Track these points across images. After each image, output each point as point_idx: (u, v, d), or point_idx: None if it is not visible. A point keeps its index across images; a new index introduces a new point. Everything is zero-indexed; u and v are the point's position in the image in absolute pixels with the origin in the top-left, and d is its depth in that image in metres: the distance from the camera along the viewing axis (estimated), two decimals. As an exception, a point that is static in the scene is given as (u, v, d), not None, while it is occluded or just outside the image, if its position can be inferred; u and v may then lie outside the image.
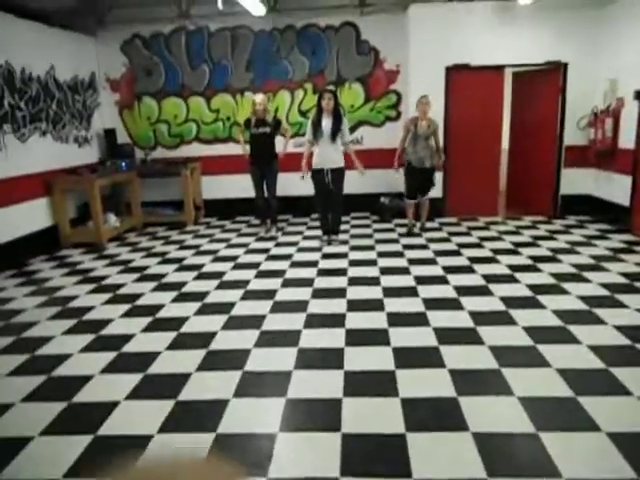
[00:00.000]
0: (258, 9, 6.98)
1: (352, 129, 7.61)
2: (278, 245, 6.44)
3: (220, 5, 5.79)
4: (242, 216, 8.29)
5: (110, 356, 3.53)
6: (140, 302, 4.60)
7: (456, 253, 5.79)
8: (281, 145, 6.84)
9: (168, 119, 8.18)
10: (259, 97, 6.66)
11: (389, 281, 4.85)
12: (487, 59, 7.18)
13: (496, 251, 5.79)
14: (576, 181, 7.47)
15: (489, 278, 4.85)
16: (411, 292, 4.54)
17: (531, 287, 4.57)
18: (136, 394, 3.03)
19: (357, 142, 7.99)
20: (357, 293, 4.57)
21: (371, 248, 6.10)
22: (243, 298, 4.58)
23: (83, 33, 7.53)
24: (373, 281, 4.87)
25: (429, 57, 7.27)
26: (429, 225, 7.15)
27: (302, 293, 4.62)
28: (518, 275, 4.91)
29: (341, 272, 5.20)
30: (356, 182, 7.52)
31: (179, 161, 7.91)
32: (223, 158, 8.17)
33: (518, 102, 7.94)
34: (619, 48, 6.55)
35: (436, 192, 7.50)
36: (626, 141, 6.48)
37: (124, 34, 7.85)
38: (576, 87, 7.17)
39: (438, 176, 7.40)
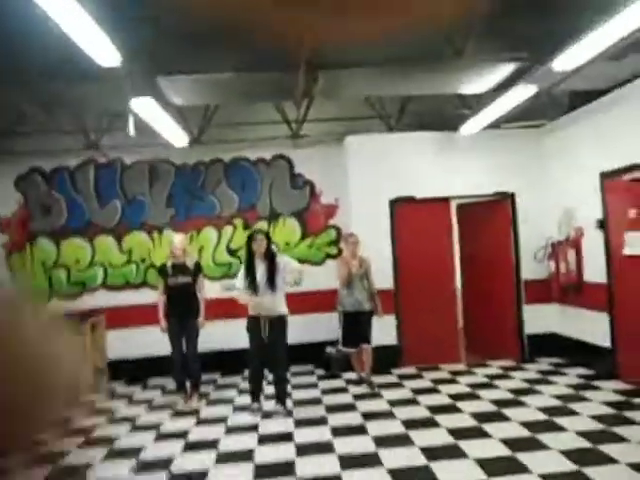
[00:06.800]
0: (180, 141, 6.22)
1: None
2: (200, 423, 4.91)
3: (132, 131, 4.88)
4: (158, 377, 6.70)
5: None
6: None
7: (430, 422, 4.55)
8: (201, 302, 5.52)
9: (68, 263, 6.82)
10: (177, 238, 5.56)
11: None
12: (432, 191, 6.65)
13: (478, 417, 4.60)
14: (540, 318, 6.70)
15: (485, 463, 3.61)
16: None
17: (545, 478, 3.37)
18: None
19: (295, 284, 6.94)
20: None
21: (323, 421, 4.73)
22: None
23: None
24: (333, 482, 3.48)
25: (370, 190, 6.65)
26: (387, 380, 5.96)
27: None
28: (521, 456, 3.70)
29: (286, 469, 3.75)
30: (295, 330, 6.37)
31: (77, 314, 6.42)
32: (135, 308, 6.75)
33: (465, 235, 7.39)
34: (571, 175, 6.15)
35: (390, 339, 6.48)
36: (593, 274, 5.86)
37: (19, 168, 6.73)
38: (527, 217, 6.71)
39: (391, 321, 6.43)
